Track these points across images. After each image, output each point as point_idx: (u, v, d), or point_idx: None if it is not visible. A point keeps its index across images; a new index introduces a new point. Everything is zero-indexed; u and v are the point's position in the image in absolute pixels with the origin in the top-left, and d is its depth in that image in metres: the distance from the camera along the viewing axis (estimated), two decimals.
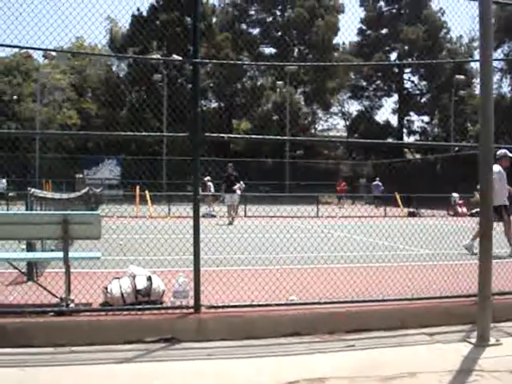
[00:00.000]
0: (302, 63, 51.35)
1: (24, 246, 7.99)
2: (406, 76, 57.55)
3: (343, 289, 6.58)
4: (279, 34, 54.11)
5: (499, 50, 46.18)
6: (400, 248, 12.39)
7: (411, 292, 6.51)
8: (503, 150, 11.10)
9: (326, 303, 5.97)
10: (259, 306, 5.79)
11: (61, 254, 5.77)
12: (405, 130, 58.64)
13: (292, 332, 5.51)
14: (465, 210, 27.30)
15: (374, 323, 5.75)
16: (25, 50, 28.69)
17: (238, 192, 21.89)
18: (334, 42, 53.19)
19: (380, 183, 36.89)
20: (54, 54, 34.75)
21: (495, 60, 50.83)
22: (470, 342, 5.30)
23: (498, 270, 6.41)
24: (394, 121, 58.43)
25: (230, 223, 19.94)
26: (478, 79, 5.79)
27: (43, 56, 36.84)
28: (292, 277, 6.90)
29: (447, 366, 4.68)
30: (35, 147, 35.18)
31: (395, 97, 58.50)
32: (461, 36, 50.82)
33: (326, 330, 5.60)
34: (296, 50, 54.63)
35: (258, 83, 52.10)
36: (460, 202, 28.23)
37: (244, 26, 54.71)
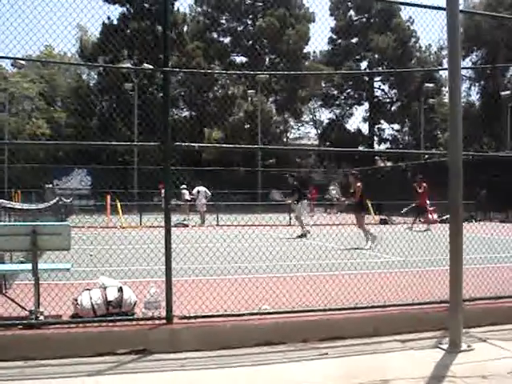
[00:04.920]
0: (273, 72, 51.49)
1: None
2: (376, 84, 58.19)
3: (316, 297, 6.58)
4: (250, 42, 54.32)
5: (467, 59, 46.97)
6: (372, 255, 12.45)
7: (384, 299, 6.53)
8: None
9: (298, 312, 5.96)
10: (232, 315, 5.76)
11: (30, 266, 5.67)
12: (376, 138, 59.21)
13: (265, 341, 5.49)
14: (435, 216, 27.57)
15: (347, 331, 5.75)
16: None
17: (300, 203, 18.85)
18: (305, 50, 53.67)
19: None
20: (22, 62, 34.45)
21: (463, 68, 51.78)
22: (443, 348, 5.33)
23: (468, 276, 6.47)
24: (364, 129, 59.05)
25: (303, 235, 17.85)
26: (447, 87, 5.87)
27: (12, 65, 36.46)
28: (264, 286, 6.88)
29: (420, 373, 4.70)
30: (3, 157, 34.71)
31: (366, 105, 59.15)
32: (430, 45, 51.63)
33: (299, 339, 5.58)
34: (267, 58, 54.86)
35: (230, 92, 52.12)
36: (430, 208, 28.48)
37: (215, 35, 54.75)
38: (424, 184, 23.09)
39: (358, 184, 15.40)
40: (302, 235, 17.76)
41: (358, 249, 13.45)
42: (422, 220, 27.64)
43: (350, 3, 56.16)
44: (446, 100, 40.77)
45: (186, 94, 50.25)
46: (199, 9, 54.48)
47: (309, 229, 18.01)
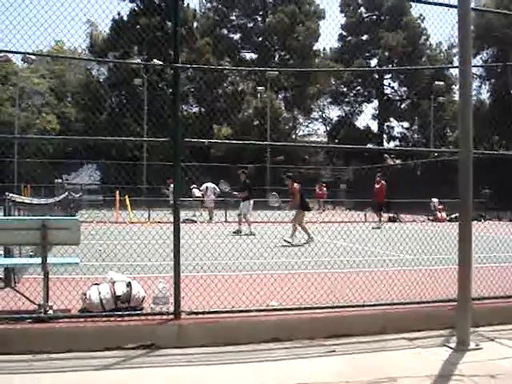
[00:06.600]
0: (283, 69, 51.39)
1: (1, 252, 7.87)
2: (386, 82, 57.97)
3: (324, 294, 6.57)
4: (260, 39, 54.24)
5: (478, 57, 46.72)
6: (380, 253, 12.43)
7: (391, 297, 6.52)
8: None
9: (306, 309, 5.95)
10: (239, 311, 5.76)
11: (39, 260, 5.69)
12: (385, 136, 59.00)
13: (272, 338, 5.49)
14: (444, 214, 27.51)
15: (354, 328, 5.75)
16: (3, 54, 28.36)
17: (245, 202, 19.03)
18: (315, 47, 53.51)
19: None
20: (33, 57, 34.55)
21: (474, 66, 51.36)
22: (450, 347, 5.32)
23: (477, 275, 6.45)
24: (374, 126, 58.85)
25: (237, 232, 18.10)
26: (458, 86, 5.84)
27: (22, 60, 36.54)
28: (272, 282, 6.88)
29: (427, 371, 4.69)
30: (13, 152, 34.82)
31: (375, 102, 58.93)
32: (440, 42, 51.35)
33: (306, 336, 5.58)
34: (277, 55, 54.77)
35: (239, 88, 52.06)
36: (439, 206, 28.42)
37: (225, 31, 54.71)
38: (383, 181, 23.56)
39: (295, 185, 15.56)
40: (237, 232, 17.90)
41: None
42: (431, 218, 27.62)
43: (360, 0, 56.01)
44: (456, 98, 40.60)
45: (195, 90, 50.20)
46: (209, 5, 54.47)
47: (253, 230, 17.91)
